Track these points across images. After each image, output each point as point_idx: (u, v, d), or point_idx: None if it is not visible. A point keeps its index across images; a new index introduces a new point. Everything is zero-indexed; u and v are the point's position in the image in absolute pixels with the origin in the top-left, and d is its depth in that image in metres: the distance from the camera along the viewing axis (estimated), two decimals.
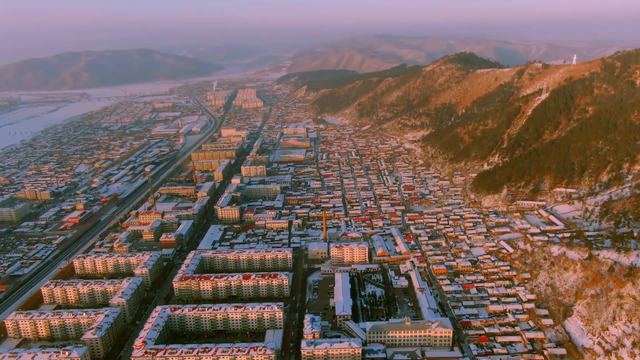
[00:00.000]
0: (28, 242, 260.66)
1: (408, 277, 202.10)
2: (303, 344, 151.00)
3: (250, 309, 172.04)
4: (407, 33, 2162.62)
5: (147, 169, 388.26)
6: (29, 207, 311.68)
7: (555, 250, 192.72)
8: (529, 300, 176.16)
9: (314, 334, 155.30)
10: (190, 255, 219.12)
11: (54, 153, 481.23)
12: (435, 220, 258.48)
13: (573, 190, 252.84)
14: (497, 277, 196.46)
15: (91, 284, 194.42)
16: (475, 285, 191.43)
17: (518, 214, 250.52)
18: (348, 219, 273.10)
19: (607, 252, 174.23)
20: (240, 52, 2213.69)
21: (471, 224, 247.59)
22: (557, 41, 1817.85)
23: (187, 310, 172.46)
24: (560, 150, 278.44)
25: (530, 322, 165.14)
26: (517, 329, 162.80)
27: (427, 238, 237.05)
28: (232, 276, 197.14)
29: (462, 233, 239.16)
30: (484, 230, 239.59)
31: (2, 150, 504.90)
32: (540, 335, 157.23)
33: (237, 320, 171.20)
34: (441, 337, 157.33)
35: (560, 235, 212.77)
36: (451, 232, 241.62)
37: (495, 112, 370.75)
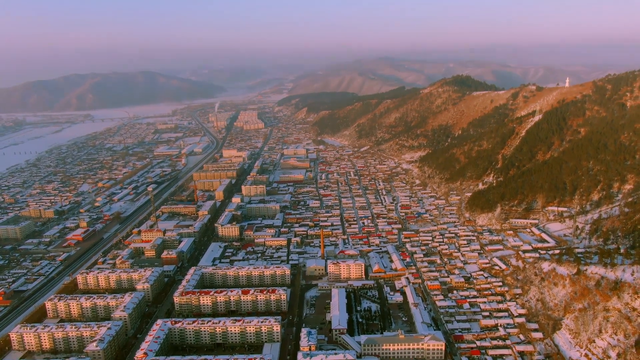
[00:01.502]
0: (32, 259, 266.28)
1: (403, 293, 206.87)
2: (299, 355, 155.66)
3: (249, 322, 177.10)
4: (408, 56, 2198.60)
5: (150, 189, 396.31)
6: (34, 225, 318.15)
7: (546, 266, 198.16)
8: (520, 315, 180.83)
9: (310, 347, 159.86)
10: (191, 271, 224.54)
11: (58, 173, 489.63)
12: (430, 238, 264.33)
13: (565, 209, 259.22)
14: (490, 292, 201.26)
15: (94, 298, 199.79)
16: (468, 300, 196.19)
17: (511, 232, 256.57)
18: (346, 236, 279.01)
19: (594, 268, 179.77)
20: (243, 75, 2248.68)
21: (465, 242, 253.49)
22: (555, 65, 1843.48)
23: (187, 323, 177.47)
24: (553, 170, 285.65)
25: (521, 336, 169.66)
26: (508, 342, 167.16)
27: (422, 255, 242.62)
28: (231, 291, 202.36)
29: (456, 250, 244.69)
30: (478, 247, 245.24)
31: (7, 169, 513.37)
32: (530, 348, 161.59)
33: (235, 333, 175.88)
34: (434, 349, 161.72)
35: (551, 252, 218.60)
36: (446, 249, 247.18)
37: (490, 133, 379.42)
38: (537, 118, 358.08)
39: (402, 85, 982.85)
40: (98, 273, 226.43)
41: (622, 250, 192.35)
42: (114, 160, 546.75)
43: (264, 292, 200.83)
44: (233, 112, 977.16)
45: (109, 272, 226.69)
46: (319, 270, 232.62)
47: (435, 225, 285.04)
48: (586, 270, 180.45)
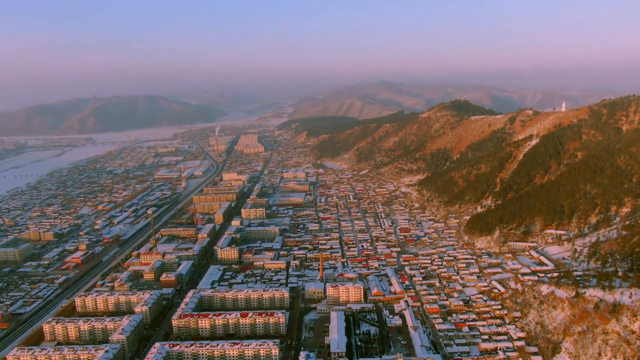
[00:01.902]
0: (31, 282, 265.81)
1: (402, 316, 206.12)
2: None
3: (247, 345, 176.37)
4: (407, 81, 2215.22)
5: (149, 212, 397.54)
6: (33, 247, 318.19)
7: (545, 289, 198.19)
8: (520, 338, 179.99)
9: None
10: (190, 294, 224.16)
11: (59, 195, 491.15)
12: (429, 261, 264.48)
13: (563, 232, 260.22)
14: (489, 315, 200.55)
15: (92, 321, 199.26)
16: (468, 323, 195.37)
17: (510, 255, 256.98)
18: (345, 260, 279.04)
19: (593, 290, 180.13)
20: (244, 99, 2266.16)
21: (464, 265, 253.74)
22: (552, 89, 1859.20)
23: (185, 346, 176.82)
24: (550, 193, 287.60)
25: None
26: None
27: (421, 278, 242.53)
28: (229, 314, 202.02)
29: (455, 273, 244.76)
30: (477, 270, 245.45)
31: (7, 192, 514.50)
32: None
33: (233, 356, 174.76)
34: None
35: (549, 275, 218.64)
36: (445, 272, 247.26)
37: (488, 157, 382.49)
38: (534, 142, 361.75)
39: (401, 110, 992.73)
40: (96, 296, 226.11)
41: (620, 273, 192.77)
42: (114, 184, 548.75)
43: (263, 315, 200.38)
44: (233, 135, 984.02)
45: (107, 295, 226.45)
46: (318, 293, 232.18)
47: (434, 249, 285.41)
48: (585, 293, 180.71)
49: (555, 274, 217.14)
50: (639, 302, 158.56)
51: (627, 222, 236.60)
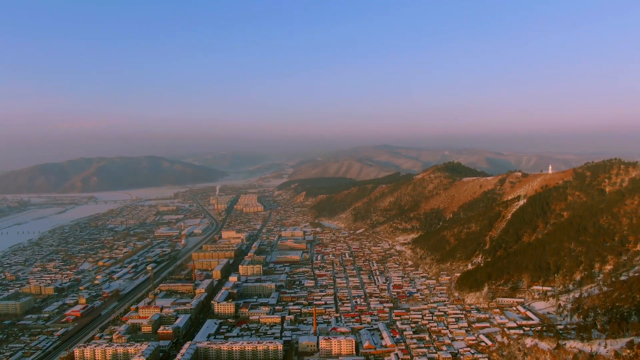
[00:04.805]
0: (30, 334, 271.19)
1: None
2: None
3: None
4: (405, 144, 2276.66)
5: (149, 267, 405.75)
6: (33, 301, 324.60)
7: (529, 342, 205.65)
8: None
9: None
10: (186, 345, 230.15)
11: (60, 251, 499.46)
12: (420, 316, 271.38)
13: (549, 288, 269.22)
14: None
15: None
16: None
17: (498, 310, 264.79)
18: (338, 314, 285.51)
19: (573, 342, 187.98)
20: (245, 160, 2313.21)
21: (454, 320, 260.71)
22: (547, 153, 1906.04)
23: None
24: (537, 251, 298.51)
25: None
26: None
27: (411, 332, 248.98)
28: None
29: (445, 328, 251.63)
30: (466, 325, 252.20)
31: (9, 248, 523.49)
32: None
33: None
34: None
35: (534, 329, 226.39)
36: (435, 327, 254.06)
37: (478, 217, 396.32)
38: (521, 202, 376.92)
39: (398, 172, 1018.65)
40: (95, 347, 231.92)
41: (598, 326, 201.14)
42: (115, 240, 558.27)
43: None
44: (233, 195, 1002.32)
45: (106, 346, 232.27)
46: (311, 346, 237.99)
47: (425, 304, 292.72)
48: (565, 344, 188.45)
49: (539, 327, 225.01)
50: (614, 352, 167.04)
51: (609, 279, 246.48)
